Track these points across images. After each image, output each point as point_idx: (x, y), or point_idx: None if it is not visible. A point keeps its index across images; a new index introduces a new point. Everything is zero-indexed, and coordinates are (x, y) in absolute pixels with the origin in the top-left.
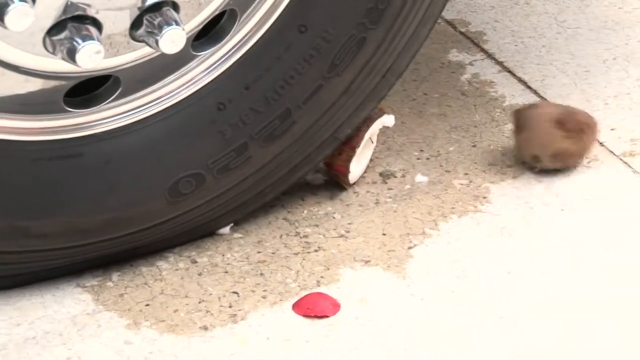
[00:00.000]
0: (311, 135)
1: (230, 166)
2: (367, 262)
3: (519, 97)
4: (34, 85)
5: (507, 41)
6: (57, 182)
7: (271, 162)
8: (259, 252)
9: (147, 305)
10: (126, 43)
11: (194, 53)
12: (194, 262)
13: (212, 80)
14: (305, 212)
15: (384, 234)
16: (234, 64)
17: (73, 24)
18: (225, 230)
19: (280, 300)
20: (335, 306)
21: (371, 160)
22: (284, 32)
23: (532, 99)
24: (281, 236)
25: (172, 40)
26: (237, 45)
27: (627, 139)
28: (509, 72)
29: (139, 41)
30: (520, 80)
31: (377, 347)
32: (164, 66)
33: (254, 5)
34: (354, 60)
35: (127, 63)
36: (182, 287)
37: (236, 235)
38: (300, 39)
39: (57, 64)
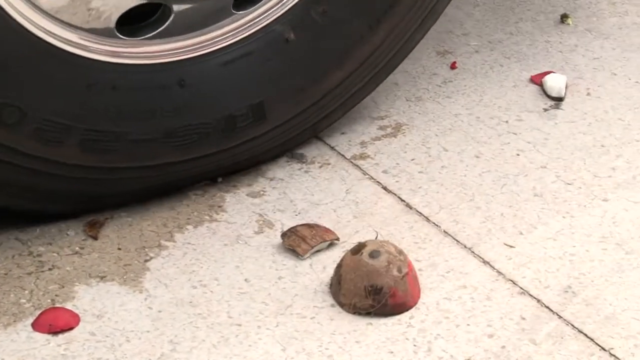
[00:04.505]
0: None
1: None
2: (102, 277)
3: None
4: None
5: None
6: None
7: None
8: None
9: None
10: None
11: (116, 33)
12: None
13: (107, 62)
14: (38, 230)
15: (119, 249)
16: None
17: None
18: None
19: (14, 321)
20: (74, 317)
21: None
22: (172, 72)
23: None
24: (13, 256)
25: None
26: (143, 51)
27: (357, 143)
28: None
29: None
30: None
31: None
32: None
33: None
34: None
35: None
36: None
37: None
38: (178, 90)
39: None
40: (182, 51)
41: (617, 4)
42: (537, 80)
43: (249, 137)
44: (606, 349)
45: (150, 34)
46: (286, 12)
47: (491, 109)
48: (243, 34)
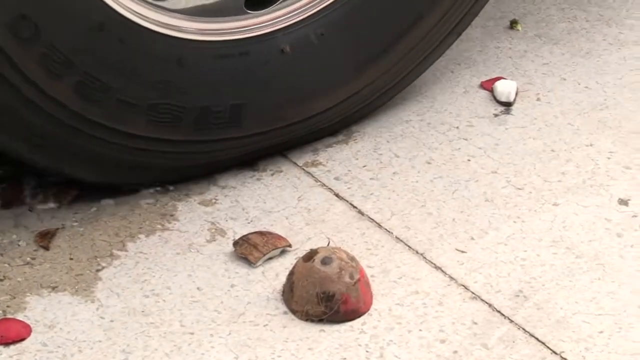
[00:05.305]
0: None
1: None
2: (54, 288)
3: None
4: None
5: None
6: None
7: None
8: None
9: None
10: None
11: None
12: None
13: (119, 13)
14: None
15: (71, 259)
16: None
17: None
18: None
19: None
20: (26, 327)
21: (49, 182)
22: (173, 48)
23: None
24: None
25: None
26: (151, 16)
27: (309, 150)
28: None
29: None
30: None
31: None
32: None
33: None
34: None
35: None
36: None
37: None
38: (175, 67)
39: None
40: (187, 30)
41: (566, 10)
42: (488, 86)
43: (220, 136)
44: (557, 352)
45: None
46: (289, 25)
47: (442, 115)
48: (246, 34)
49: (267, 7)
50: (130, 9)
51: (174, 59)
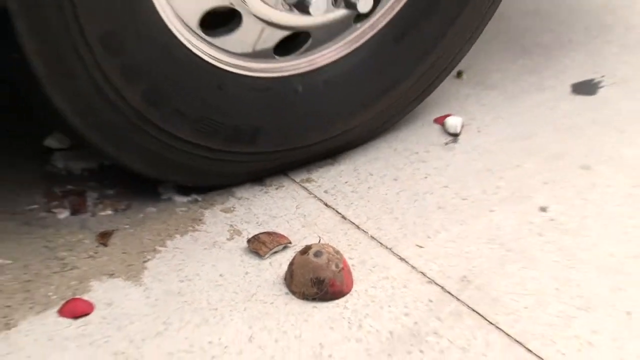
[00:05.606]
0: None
1: None
2: (111, 275)
3: None
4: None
5: None
6: None
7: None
8: (25, 274)
9: None
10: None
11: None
12: None
13: (180, 41)
14: (62, 240)
15: (124, 253)
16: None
17: None
18: None
19: (44, 309)
20: (90, 305)
21: (107, 195)
22: (215, 76)
23: None
24: (43, 260)
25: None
26: (201, 47)
27: (304, 170)
28: None
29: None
30: None
31: (121, 338)
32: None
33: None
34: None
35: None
36: None
37: (5, 262)
38: (217, 91)
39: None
40: (226, 64)
41: (501, 62)
42: (440, 121)
43: (242, 150)
44: (493, 323)
45: (220, 36)
46: (303, 72)
47: (406, 143)
48: (272, 74)
49: (289, 56)
50: (189, 40)
51: (216, 85)
